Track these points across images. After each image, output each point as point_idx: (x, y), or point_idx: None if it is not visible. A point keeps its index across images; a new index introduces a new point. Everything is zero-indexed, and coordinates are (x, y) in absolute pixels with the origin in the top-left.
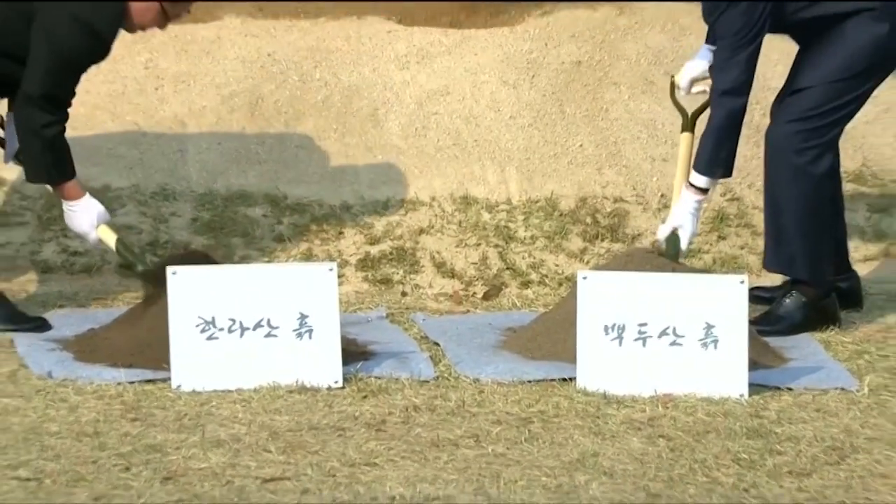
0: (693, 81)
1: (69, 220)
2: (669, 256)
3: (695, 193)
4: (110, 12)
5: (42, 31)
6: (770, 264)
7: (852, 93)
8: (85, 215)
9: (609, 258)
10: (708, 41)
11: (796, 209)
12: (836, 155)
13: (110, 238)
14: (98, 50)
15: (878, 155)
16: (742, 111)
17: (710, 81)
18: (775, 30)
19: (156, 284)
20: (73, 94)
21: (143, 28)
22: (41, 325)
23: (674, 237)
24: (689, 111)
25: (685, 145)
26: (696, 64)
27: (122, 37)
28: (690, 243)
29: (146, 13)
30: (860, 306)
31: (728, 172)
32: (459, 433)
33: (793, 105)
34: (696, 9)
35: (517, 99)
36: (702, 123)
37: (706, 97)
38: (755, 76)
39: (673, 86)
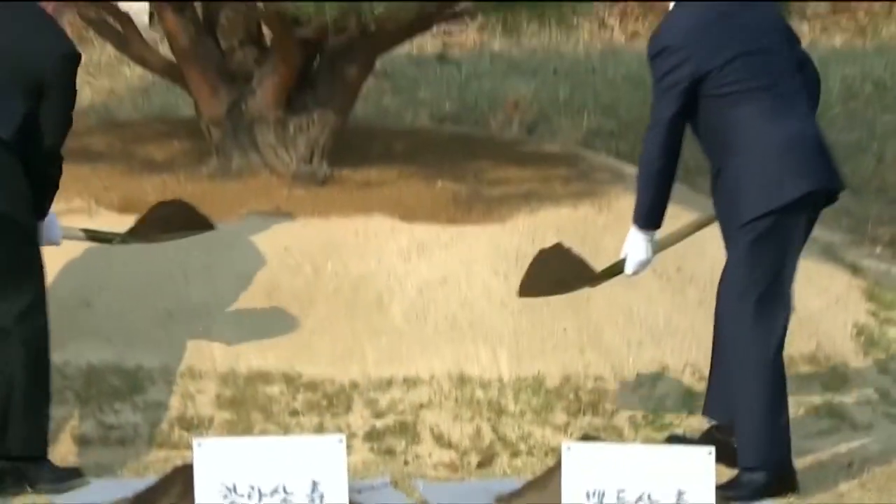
0: None
1: (45, 233)
2: (605, 270)
3: (638, 231)
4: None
5: (54, 90)
6: (742, 461)
7: (762, 259)
8: (54, 223)
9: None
10: None
11: (759, 401)
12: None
13: (73, 231)
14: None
15: (830, 340)
16: (659, 174)
17: None
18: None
19: (139, 240)
20: None
21: None
22: (76, 474)
23: (621, 261)
24: None
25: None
26: None
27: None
28: (640, 267)
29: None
30: None
31: (649, 225)
32: None
33: (724, 293)
34: (667, 208)
35: (507, 287)
36: None
37: None
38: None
39: None
